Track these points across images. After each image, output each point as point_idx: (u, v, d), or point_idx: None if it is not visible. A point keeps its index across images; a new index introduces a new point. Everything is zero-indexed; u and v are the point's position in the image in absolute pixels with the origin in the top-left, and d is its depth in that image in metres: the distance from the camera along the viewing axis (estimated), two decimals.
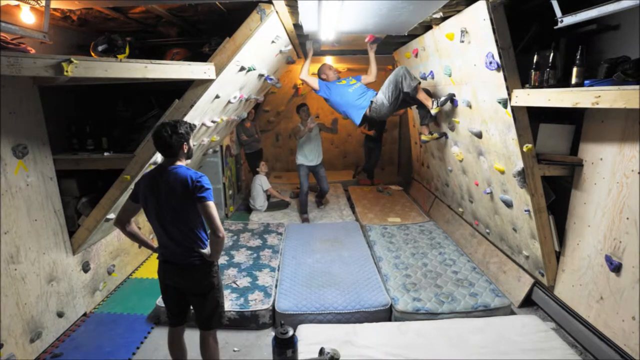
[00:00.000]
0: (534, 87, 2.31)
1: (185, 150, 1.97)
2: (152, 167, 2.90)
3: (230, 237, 4.21)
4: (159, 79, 2.43)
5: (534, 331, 2.50)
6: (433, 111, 3.40)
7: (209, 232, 1.96)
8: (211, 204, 1.89)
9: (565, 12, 1.91)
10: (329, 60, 5.66)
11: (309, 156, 4.93)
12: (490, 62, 2.41)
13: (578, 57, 2.05)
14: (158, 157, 2.87)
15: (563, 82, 2.25)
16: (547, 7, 1.98)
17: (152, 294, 3.17)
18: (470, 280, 3.16)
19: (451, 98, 3.28)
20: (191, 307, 2.14)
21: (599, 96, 1.84)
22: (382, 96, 3.52)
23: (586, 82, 1.99)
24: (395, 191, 6.15)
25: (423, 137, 3.91)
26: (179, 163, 1.96)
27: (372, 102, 3.62)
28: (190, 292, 2.05)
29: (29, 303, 2.44)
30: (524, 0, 2.45)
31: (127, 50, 2.69)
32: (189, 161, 2.06)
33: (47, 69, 1.85)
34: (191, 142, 2.00)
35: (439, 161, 4.58)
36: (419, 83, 3.44)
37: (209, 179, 1.95)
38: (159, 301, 2.88)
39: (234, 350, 2.58)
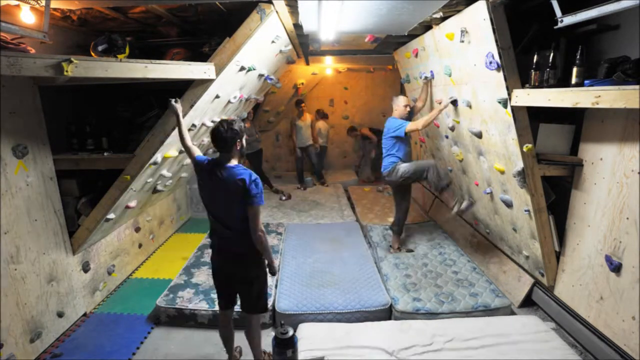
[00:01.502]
0: (534, 87, 2.31)
1: (238, 148, 2.10)
2: (152, 167, 2.90)
3: None
4: (159, 79, 2.43)
5: (534, 331, 2.50)
6: (453, 212, 3.68)
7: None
8: (258, 209, 2.02)
9: (565, 12, 1.91)
10: (329, 60, 5.66)
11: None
12: (490, 62, 2.41)
13: (578, 57, 2.05)
14: (158, 157, 2.87)
15: (563, 82, 2.25)
16: (547, 7, 1.97)
17: (152, 294, 3.17)
18: (471, 281, 3.15)
19: (471, 203, 3.56)
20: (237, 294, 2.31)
21: (599, 96, 1.84)
22: (403, 170, 3.48)
23: (586, 82, 1.99)
24: None
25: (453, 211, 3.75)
26: (234, 161, 2.09)
27: (391, 168, 3.54)
28: (237, 278, 2.20)
29: (29, 303, 2.44)
30: (524, 0, 2.45)
31: (127, 50, 2.69)
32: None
33: (47, 69, 1.85)
34: (243, 140, 2.13)
35: (439, 161, 4.57)
36: (449, 183, 3.53)
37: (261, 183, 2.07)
38: (159, 301, 2.89)
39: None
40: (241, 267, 2.15)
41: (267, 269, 2.23)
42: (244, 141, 2.12)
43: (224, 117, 2.14)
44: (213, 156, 2.20)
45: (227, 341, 2.36)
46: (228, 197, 2.03)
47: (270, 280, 3.20)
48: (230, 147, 2.04)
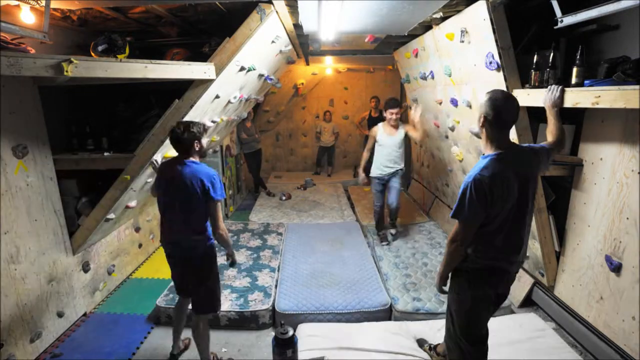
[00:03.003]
0: (534, 87, 2.30)
1: (198, 148, 2.14)
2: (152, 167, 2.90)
3: (230, 237, 4.20)
4: (159, 79, 2.43)
5: (533, 331, 2.50)
6: None
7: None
8: (219, 203, 2.12)
9: (565, 12, 1.91)
10: (329, 60, 5.66)
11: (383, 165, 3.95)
12: (490, 62, 2.41)
13: (578, 57, 2.05)
14: (158, 157, 2.87)
15: (563, 82, 2.24)
16: (547, 7, 1.98)
17: (152, 294, 3.17)
18: None
19: None
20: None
21: (599, 96, 1.84)
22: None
23: (586, 82, 1.99)
24: None
25: None
26: (192, 159, 2.15)
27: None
28: (188, 277, 2.25)
29: (29, 303, 2.44)
30: (524, 0, 2.45)
31: (127, 50, 2.69)
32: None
33: (47, 69, 1.85)
34: (204, 141, 2.19)
35: (439, 161, 4.58)
36: None
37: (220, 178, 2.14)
38: (159, 301, 2.89)
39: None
40: (193, 268, 2.19)
41: (228, 261, 2.36)
42: (203, 142, 2.18)
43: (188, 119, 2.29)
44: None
45: (177, 325, 2.44)
46: (183, 195, 2.08)
47: (270, 281, 3.21)
48: (187, 148, 2.10)
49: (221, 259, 3.61)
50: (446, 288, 1.91)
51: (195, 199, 2.07)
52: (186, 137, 2.07)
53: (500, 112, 1.65)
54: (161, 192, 2.18)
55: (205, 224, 2.16)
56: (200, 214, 2.11)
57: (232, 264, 2.37)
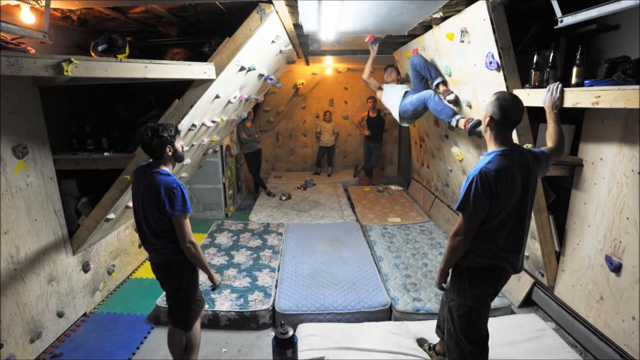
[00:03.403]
0: (534, 87, 2.30)
1: (171, 154, 1.99)
2: None
3: (231, 237, 4.22)
4: (159, 79, 2.43)
5: (533, 331, 2.50)
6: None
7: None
8: (180, 218, 1.92)
9: (565, 12, 1.91)
10: (329, 60, 5.66)
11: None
12: (490, 62, 2.41)
13: (578, 57, 2.05)
14: None
15: (563, 82, 2.25)
16: (547, 7, 1.98)
17: (152, 294, 3.17)
18: None
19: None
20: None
21: (599, 96, 1.84)
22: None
23: (586, 82, 1.99)
24: (395, 191, 6.16)
25: None
26: (164, 167, 1.99)
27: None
28: (163, 287, 2.17)
29: (29, 303, 2.44)
30: (524, 0, 2.45)
31: (127, 50, 2.69)
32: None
33: (47, 69, 1.85)
34: (178, 145, 2.02)
35: (439, 161, 4.58)
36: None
37: (184, 190, 1.94)
38: (159, 301, 2.89)
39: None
40: (162, 277, 2.10)
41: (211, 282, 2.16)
42: (177, 146, 2.02)
43: (162, 122, 2.13)
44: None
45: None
46: (148, 204, 1.95)
47: (270, 281, 3.21)
48: (158, 154, 1.96)
49: (220, 259, 3.63)
50: (446, 285, 1.91)
51: (155, 210, 1.93)
52: (155, 143, 1.91)
53: (506, 112, 1.69)
54: (132, 195, 2.07)
55: (173, 235, 1.97)
56: (164, 224, 1.95)
57: (213, 288, 2.18)
